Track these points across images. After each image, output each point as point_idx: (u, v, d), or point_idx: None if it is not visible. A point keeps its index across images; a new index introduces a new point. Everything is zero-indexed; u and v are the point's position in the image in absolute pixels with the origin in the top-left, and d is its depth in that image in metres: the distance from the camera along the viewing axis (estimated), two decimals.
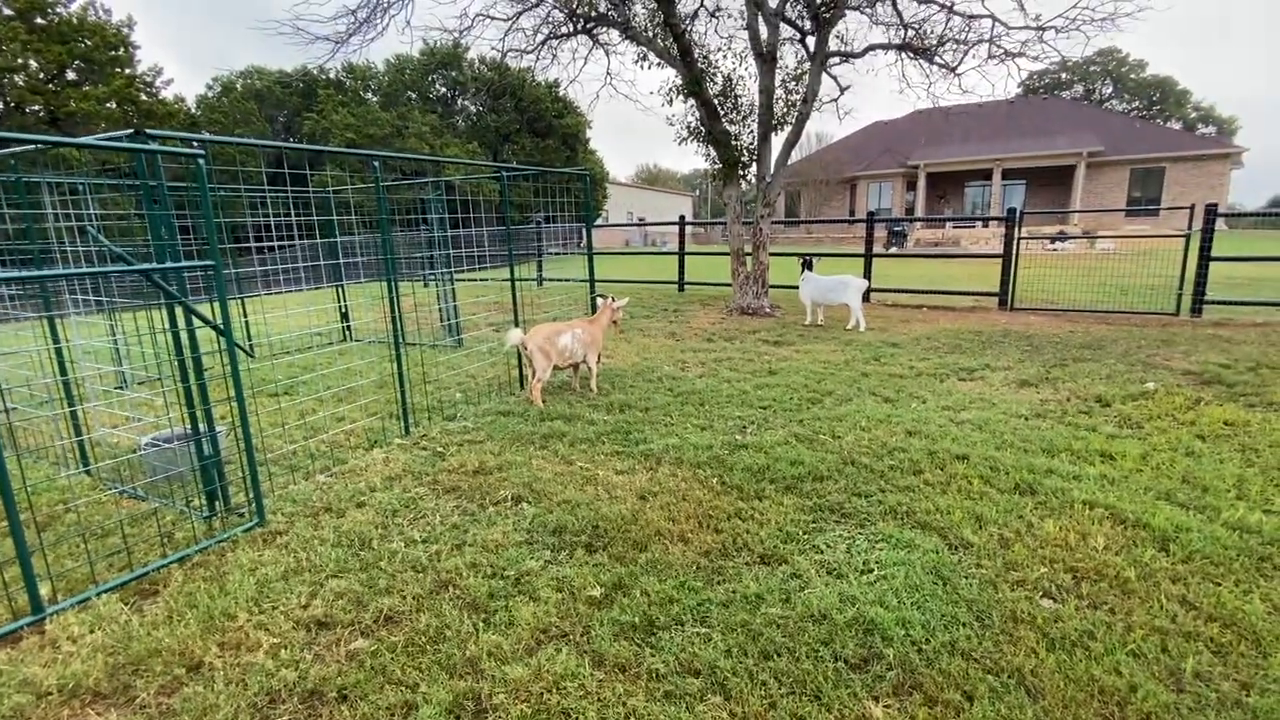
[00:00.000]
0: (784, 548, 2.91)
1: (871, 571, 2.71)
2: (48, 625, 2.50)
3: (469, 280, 11.71)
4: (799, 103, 10.14)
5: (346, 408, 5.30)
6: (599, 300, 5.92)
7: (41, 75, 23.61)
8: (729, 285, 10.71)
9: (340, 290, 8.53)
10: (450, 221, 8.66)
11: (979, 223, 29.27)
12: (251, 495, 3.25)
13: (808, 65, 10.20)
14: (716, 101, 10.00)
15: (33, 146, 3.21)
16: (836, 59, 10.41)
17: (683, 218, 14.22)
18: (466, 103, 36.32)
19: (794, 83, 10.60)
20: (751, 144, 10.30)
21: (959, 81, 10.34)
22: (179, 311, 3.07)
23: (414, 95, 32.89)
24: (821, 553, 2.88)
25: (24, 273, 2.70)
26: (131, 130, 2.82)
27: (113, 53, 24.55)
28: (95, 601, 2.64)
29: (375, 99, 31.94)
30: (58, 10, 23.81)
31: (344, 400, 5.56)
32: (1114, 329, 8.06)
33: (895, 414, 4.75)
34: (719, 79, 10.52)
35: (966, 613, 2.41)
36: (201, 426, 3.27)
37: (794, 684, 2.09)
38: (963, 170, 31.79)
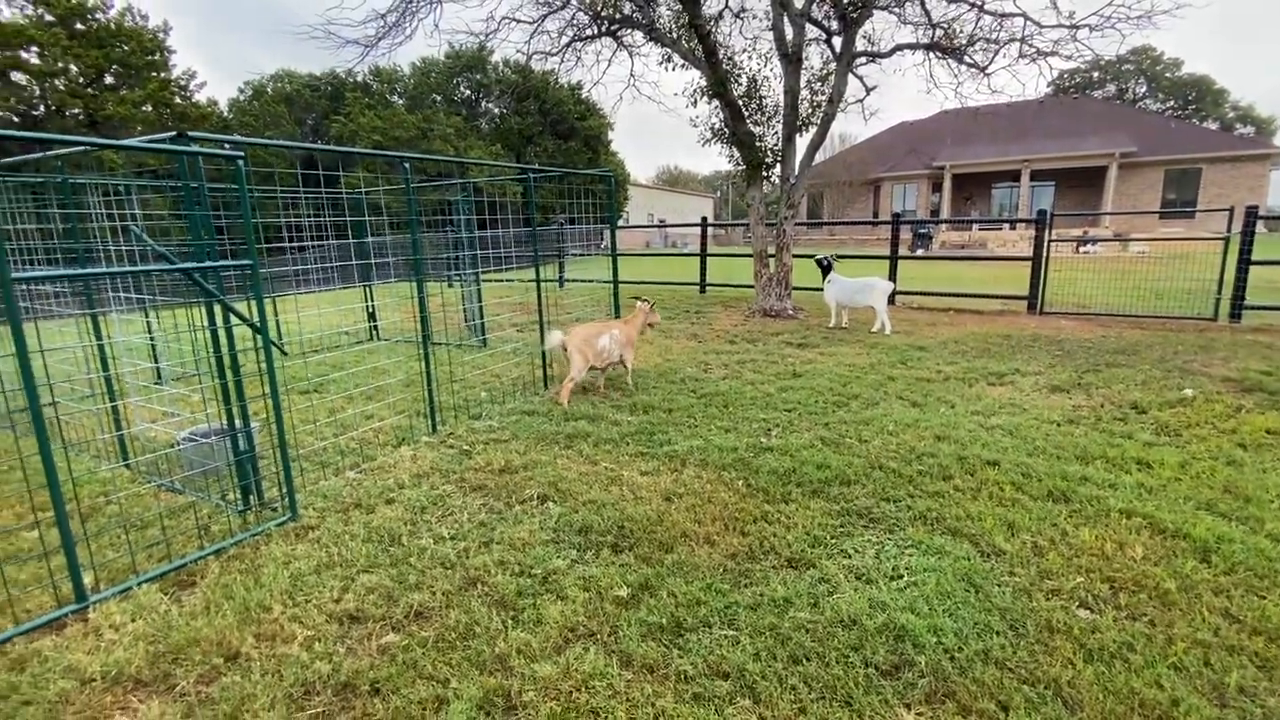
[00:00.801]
0: (811, 552, 2.89)
1: (901, 578, 2.68)
2: (90, 613, 2.58)
3: (493, 281, 11.82)
4: (824, 103, 10.06)
5: (375, 405, 5.38)
6: (638, 303, 6.09)
7: (81, 79, 24.36)
8: (751, 287, 10.66)
9: (368, 290, 8.66)
10: (475, 223, 8.74)
11: (1006, 225, 28.76)
12: (285, 490, 3.31)
13: (833, 66, 10.12)
14: (741, 103, 9.97)
15: (79, 149, 3.32)
16: (863, 59, 10.31)
17: (705, 219, 14.19)
18: (490, 105, 36.64)
19: (819, 83, 10.51)
20: (776, 145, 10.24)
21: (988, 81, 10.19)
22: (217, 310, 3.14)
23: (439, 98, 33.29)
24: (850, 557, 2.85)
25: (72, 270, 2.78)
26: (174, 133, 2.89)
27: (149, 57, 25.24)
28: (136, 591, 2.71)
29: (401, 102, 32.38)
30: (96, 16, 24.56)
31: (372, 398, 5.64)
32: (1149, 334, 7.86)
33: (923, 418, 4.69)
34: (743, 80, 10.48)
35: (1000, 621, 2.37)
36: (237, 422, 3.34)
37: (824, 689, 2.07)
38: (990, 171, 31.26)
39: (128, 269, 2.88)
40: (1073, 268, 10.99)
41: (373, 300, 8.69)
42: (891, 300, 9.09)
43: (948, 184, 31.75)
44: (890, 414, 4.81)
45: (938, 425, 4.52)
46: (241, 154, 2.93)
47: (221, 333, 3.17)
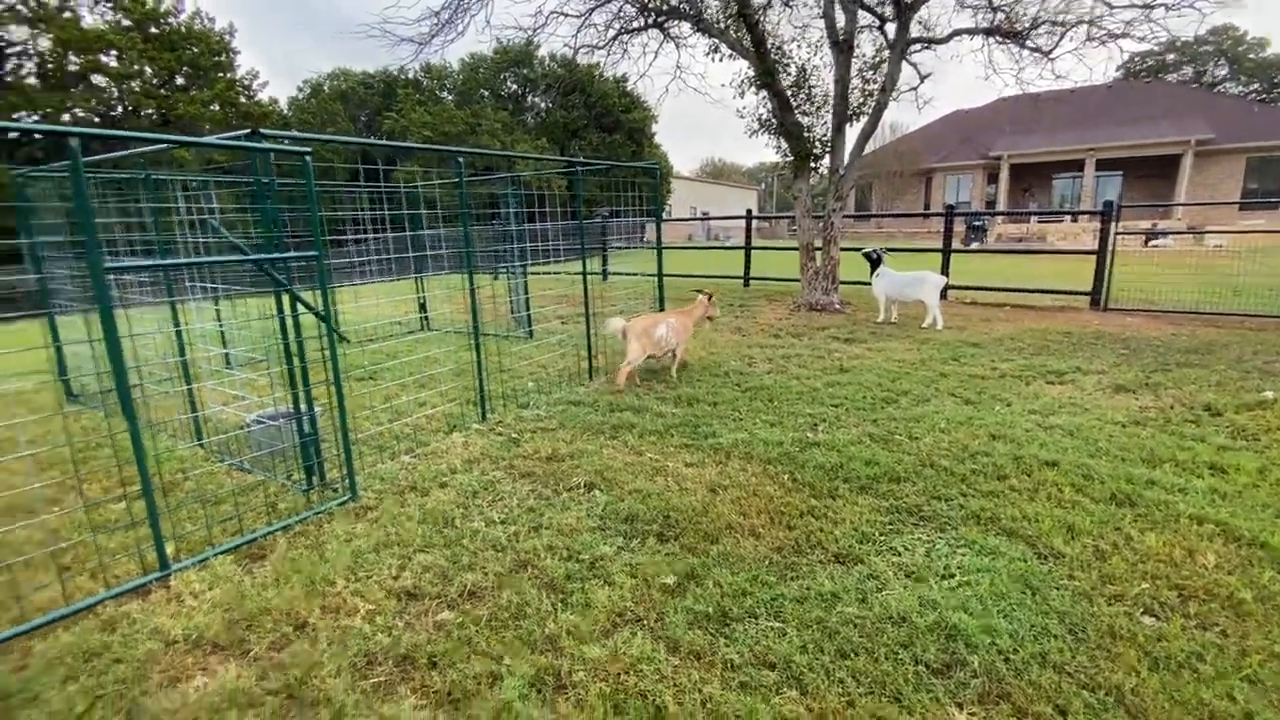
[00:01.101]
0: (859, 548, 2.86)
1: (953, 577, 2.63)
2: (172, 581, 2.76)
3: (539, 274, 11.98)
4: (876, 92, 9.81)
5: (427, 393, 5.56)
6: (699, 296, 6.26)
7: (155, 81, 25.70)
8: (796, 281, 10.51)
9: (420, 282, 8.92)
10: (523, 216, 8.89)
11: (1068, 217, 27.48)
12: (345, 472, 3.46)
13: (886, 53, 9.85)
14: (789, 93, 9.81)
15: (161, 147, 3.53)
16: (918, 46, 9.99)
17: (750, 211, 14.04)
18: (536, 99, 37.06)
19: (871, 72, 10.26)
20: (825, 135, 10.05)
21: (1052, 66, 9.73)
22: (285, 299, 3.30)
23: (487, 93, 33.83)
24: (899, 555, 2.81)
25: (161, 261, 2.97)
26: (249, 130, 3.04)
27: (216, 59, 26.45)
28: (212, 562, 2.89)
29: (450, 98, 33.04)
30: (169, 20, 25.85)
31: (424, 386, 5.83)
32: (1225, 332, 7.42)
33: (977, 416, 4.56)
34: (792, 70, 10.32)
35: (1058, 625, 2.31)
36: (302, 407, 3.51)
37: (873, 684, 2.06)
38: (1050, 161, 29.89)
39: (209, 259, 3.06)
40: (1141, 262, 10.44)
41: (423, 292, 8.94)
42: (944, 295, 8.82)
43: (1004, 174, 30.52)
44: (942, 411, 4.69)
45: (992, 424, 4.39)
46: (309, 149, 3.07)
47: (289, 321, 3.33)
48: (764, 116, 10.54)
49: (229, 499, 3.52)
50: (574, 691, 2.07)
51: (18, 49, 23.29)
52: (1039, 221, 27.44)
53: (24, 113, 22.51)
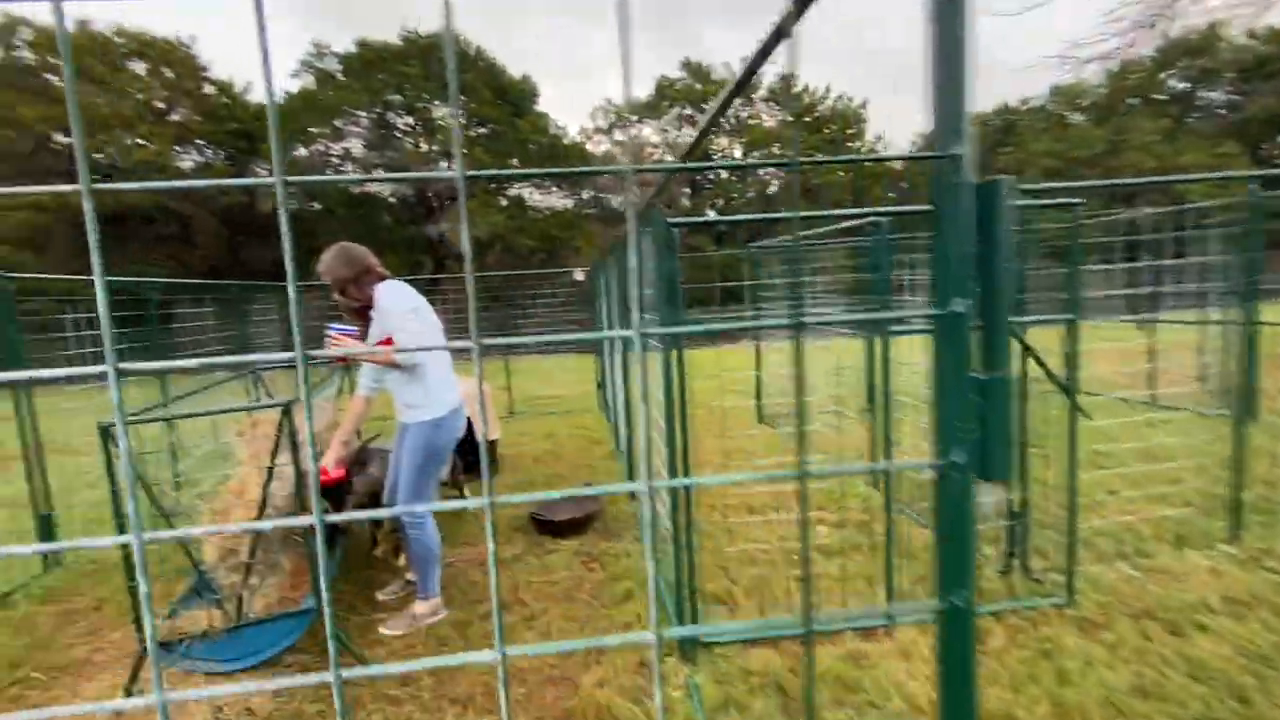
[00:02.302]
0: None
1: None
2: (895, 632, 2.85)
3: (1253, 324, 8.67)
4: None
5: (1131, 489, 4.43)
6: None
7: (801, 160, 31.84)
8: None
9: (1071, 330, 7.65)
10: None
11: None
12: (1063, 568, 2.96)
13: None
14: None
15: (891, 217, 3.88)
16: None
17: None
18: (1213, 94, 28.30)
19: None
20: None
21: None
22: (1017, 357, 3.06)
23: (1136, 101, 27.85)
24: None
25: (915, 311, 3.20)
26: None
27: (849, 130, 30.74)
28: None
29: (1084, 118, 28.71)
30: (817, 109, 31.55)
31: (1135, 481, 4.60)
32: None
33: None
34: None
35: None
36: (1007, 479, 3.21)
37: None
38: None
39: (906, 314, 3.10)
40: None
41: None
42: None
43: None
44: None
45: None
46: (1079, 200, 2.72)
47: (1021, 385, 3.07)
48: None
49: (920, 554, 3.53)
50: None
51: (719, 155, 32.88)
52: None
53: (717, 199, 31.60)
